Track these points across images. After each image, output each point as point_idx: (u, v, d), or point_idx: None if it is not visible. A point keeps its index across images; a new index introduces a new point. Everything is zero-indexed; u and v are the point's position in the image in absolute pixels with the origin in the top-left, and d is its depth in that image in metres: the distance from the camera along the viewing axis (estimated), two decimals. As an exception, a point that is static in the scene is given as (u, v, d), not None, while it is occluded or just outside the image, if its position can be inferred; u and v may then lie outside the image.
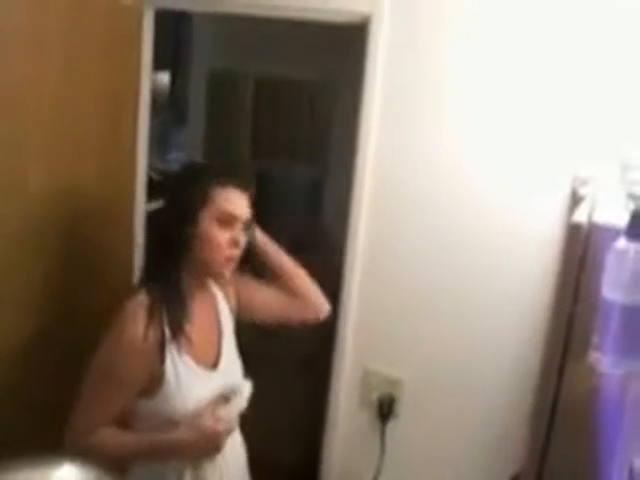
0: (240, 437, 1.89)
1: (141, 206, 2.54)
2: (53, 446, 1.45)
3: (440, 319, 2.19)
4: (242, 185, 1.69)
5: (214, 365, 1.76)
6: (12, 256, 2.01)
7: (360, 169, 2.21)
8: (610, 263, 1.29)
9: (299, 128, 4.37)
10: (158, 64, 2.58)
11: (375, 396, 2.31)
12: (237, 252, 1.68)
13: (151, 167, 2.68)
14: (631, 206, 1.41)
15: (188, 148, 4.73)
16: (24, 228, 2.04)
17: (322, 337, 2.49)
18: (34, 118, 2.03)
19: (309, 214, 4.23)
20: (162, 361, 1.63)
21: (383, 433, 2.32)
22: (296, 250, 3.49)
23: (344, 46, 2.53)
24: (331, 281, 2.41)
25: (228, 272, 1.71)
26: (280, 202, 4.17)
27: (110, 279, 2.39)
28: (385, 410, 2.30)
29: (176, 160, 4.75)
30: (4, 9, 1.88)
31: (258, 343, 2.89)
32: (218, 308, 1.85)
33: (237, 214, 1.66)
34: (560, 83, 1.94)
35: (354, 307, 2.30)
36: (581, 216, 1.47)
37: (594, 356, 1.33)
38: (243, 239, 1.69)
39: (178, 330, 1.66)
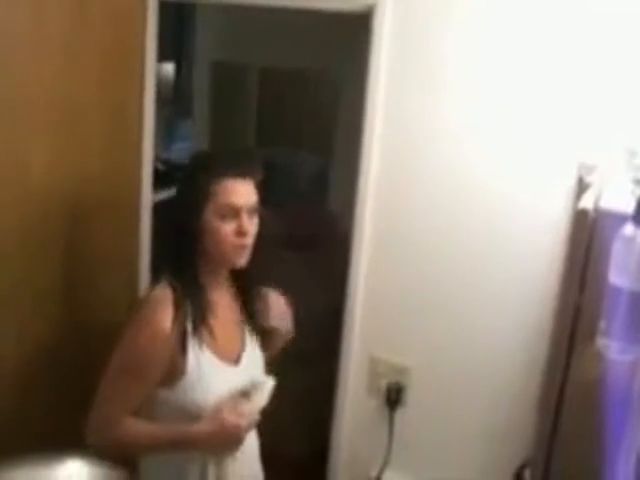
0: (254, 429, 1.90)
1: (148, 197, 2.54)
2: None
3: (447, 307, 2.19)
4: (244, 173, 1.67)
5: (236, 361, 1.76)
6: (14, 250, 2.02)
7: (366, 157, 2.21)
8: (617, 249, 1.28)
9: (304, 117, 4.36)
10: (162, 55, 2.57)
11: (383, 384, 2.32)
12: (246, 240, 1.67)
13: (157, 158, 2.68)
14: (638, 192, 1.40)
15: (193, 138, 4.73)
16: (26, 221, 2.04)
17: (330, 326, 2.49)
18: (37, 109, 2.03)
19: (315, 203, 4.23)
20: (184, 353, 1.64)
21: (391, 421, 2.32)
22: (302, 240, 3.50)
23: (348, 35, 2.52)
24: (338, 269, 2.41)
25: (242, 260, 1.70)
26: (286, 191, 4.17)
27: (115, 271, 2.40)
28: (393, 398, 2.30)
29: (181, 150, 4.75)
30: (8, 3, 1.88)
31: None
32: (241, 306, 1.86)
33: (240, 204, 1.65)
34: (566, 69, 1.93)
35: (361, 295, 2.31)
36: (588, 202, 1.46)
37: (601, 342, 1.33)
38: (251, 226, 1.68)
39: (201, 323, 1.67)
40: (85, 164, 2.21)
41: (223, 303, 1.77)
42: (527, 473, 1.86)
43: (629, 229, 1.26)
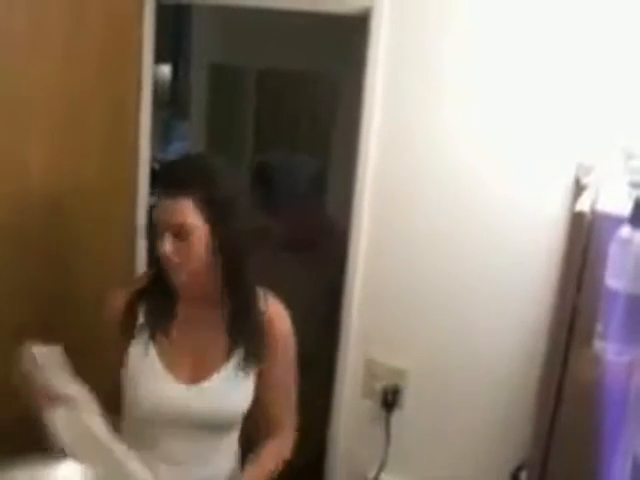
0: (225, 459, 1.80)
1: (144, 198, 2.54)
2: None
3: (445, 309, 2.19)
4: (173, 192, 1.57)
5: (192, 381, 1.68)
6: (9, 250, 2.01)
7: (363, 159, 2.20)
8: (614, 251, 1.28)
9: (302, 119, 4.36)
10: (160, 56, 2.58)
11: (379, 386, 2.31)
12: (168, 262, 1.60)
13: (154, 159, 2.68)
14: (634, 194, 1.40)
15: (190, 140, 4.73)
16: (22, 219, 2.04)
17: (327, 327, 2.49)
18: (35, 109, 2.03)
19: (312, 205, 4.22)
20: (128, 343, 1.69)
21: (388, 423, 2.32)
22: (300, 242, 3.49)
23: (346, 37, 2.52)
24: (334, 271, 2.41)
25: (177, 278, 1.63)
26: (283, 193, 4.17)
27: (111, 271, 2.40)
28: (390, 400, 2.30)
29: (178, 152, 4.76)
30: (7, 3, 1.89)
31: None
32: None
33: (161, 221, 1.58)
34: (563, 71, 1.93)
35: (358, 297, 2.31)
36: (584, 205, 1.47)
37: (598, 345, 1.33)
38: (174, 245, 1.58)
39: (155, 327, 1.69)
40: (82, 164, 2.21)
41: (201, 323, 1.72)
42: (524, 475, 1.86)
43: (626, 231, 1.27)
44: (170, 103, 4.86)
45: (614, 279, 1.28)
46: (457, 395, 2.22)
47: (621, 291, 1.27)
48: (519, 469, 1.96)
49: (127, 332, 1.69)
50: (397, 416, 2.31)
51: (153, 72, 2.51)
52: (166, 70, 4.78)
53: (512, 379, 2.12)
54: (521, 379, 2.08)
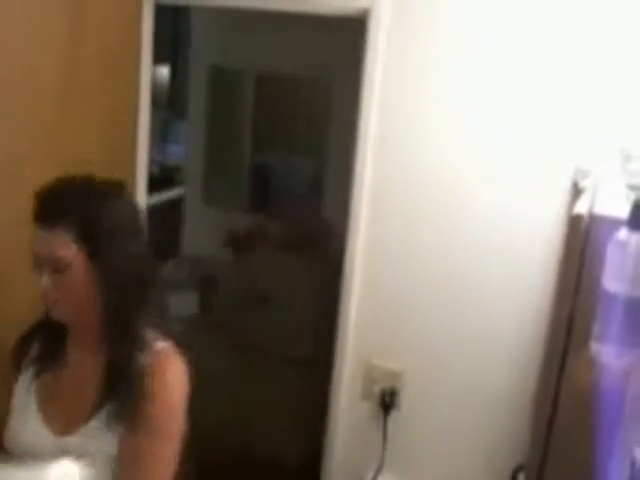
0: None
1: (142, 200, 2.54)
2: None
3: (442, 311, 2.19)
4: (49, 223, 1.45)
5: (61, 432, 1.52)
6: (9, 254, 2.01)
7: (360, 161, 2.21)
8: (611, 254, 1.28)
9: (300, 121, 4.36)
10: (158, 58, 2.58)
11: (377, 388, 2.31)
12: (49, 296, 1.47)
13: (152, 161, 2.69)
14: (632, 197, 1.40)
15: (188, 142, 4.73)
16: (23, 221, 2.04)
17: (325, 329, 2.49)
18: (33, 113, 2.03)
19: (310, 207, 4.23)
20: (15, 378, 1.61)
21: (385, 425, 2.32)
22: (298, 243, 3.49)
23: (344, 39, 2.52)
24: (332, 273, 2.41)
25: (59, 315, 1.51)
26: (281, 195, 4.17)
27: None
28: (387, 402, 2.30)
29: (176, 153, 4.76)
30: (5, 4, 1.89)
31: (263, 339, 2.89)
32: None
33: (38, 255, 1.46)
34: (561, 74, 1.94)
35: (355, 300, 2.31)
36: (582, 208, 1.47)
37: (595, 347, 1.33)
38: (53, 280, 1.46)
39: (40, 363, 1.59)
40: (79, 167, 2.20)
41: (84, 368, 1.56)
42: (522, 477, 1.86)
43: (623, 234, 1.27)
44: (168, 104, 4.86)
45: (612, 282, 1.28)
46: (455, 397, 2.22)
47: (619, 294, 1.27)
48: (517, 471, 1.95)
49: (17, 367, 1.61)
50: (394, 418, 2.31)
51: (152, 73, 2.51)
52: (164, 71, 4.77)
53: (510, 381, 2.12)
54: (519, 381, 2.09)
